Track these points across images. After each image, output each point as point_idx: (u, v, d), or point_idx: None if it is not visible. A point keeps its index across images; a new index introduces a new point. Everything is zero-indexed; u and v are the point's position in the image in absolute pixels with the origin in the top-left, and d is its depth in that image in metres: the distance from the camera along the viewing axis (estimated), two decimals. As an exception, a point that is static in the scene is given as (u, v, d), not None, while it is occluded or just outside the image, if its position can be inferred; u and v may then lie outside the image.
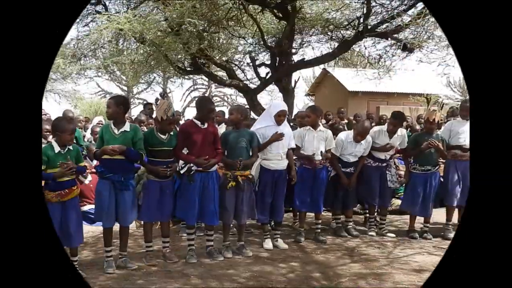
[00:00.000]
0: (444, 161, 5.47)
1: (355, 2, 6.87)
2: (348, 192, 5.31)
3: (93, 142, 6.43)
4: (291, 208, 5.80)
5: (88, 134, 7.18)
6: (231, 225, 4.75)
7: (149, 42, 6.63)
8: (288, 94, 7.89)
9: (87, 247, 4.72)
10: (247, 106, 7.92)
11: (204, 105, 4.41)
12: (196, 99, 5.12)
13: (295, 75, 8.43)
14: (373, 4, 6.36)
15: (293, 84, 8.21)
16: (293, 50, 8.08)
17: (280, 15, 7.16)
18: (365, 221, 5.78)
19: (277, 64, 7.80)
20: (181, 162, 4.35)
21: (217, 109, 6.81)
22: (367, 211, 5.71)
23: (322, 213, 5.35)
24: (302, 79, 25.66)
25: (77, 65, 7.20)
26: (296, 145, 4.93)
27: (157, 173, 4.16)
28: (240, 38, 8.35)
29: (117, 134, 3.98)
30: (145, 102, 11.88)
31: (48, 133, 5.47)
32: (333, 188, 5.23)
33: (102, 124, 6.99)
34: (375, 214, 5.69)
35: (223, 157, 4.48)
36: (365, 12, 6.46)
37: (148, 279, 3.79)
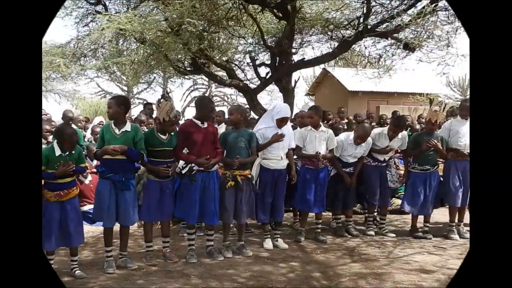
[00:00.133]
0: (443, 161, 5.47)
1: (355, 1, 6.87)
2: (348, 192, 5.31)
3: (93, 142, 6.43)
4: (291, 208, 5.81)
5: (88, 134, 7.18)
6: (231, 225, 4.76)
7: (149, 42, 6.63)
8: (288, 94, 7.88)
9: (87, 247, 4.72)
10: (247, 106, 7.92)
11: (204, 104, 4.41)
12: (196, 98, 5.10)
13: (295, 75, 8.44)
14: (373, 3, 6.36)
15: (293, 84, 8.20)
16: (293, 50, 8.08)
17: (280, 15, 7.16)
18: (365, 221, 5.78)
19: (277, 64, 7.80)
20: (181, 162, 4.35)
21: (217, 109, 6.80)
22: (367, 211, 5.71)
23: (322, 213, 5.35)
24: (302, 79, 25.71)
25: (77, 66, 7.20)
26: (297, 145, 4.94)
27: (158, 173, 4.16)
28: (240, 38, 8.35)
29: (118, 134, 3.98)
30: (145, 102, 11.86)
31: (48, 133, 5.48)
32: (333, 188, 5.24)
33: (103, 124, 6.99)
34: (375, 213, 5.69)
35: (223, 156, 4.48)
36: (365, 11, 6.46)
37: (148, 279, 3.79)
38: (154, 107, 8.13)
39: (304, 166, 5.07)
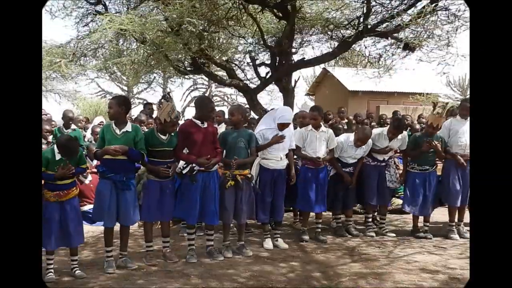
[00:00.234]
0: (442, 161, 5.48)
1: (355, 1, 6.86)
2: (348, 192, 5.31)
3: (93, 142, 6.43)
4: (291, 208, 5.80)
5: (88, 134, 7.18)
6: (231, 225, 4.76)
7: (150, 42, 6.63)
8: (288, 93, 7.87)
9: (87, 247, 4.72)
10: (247, 106, 7.92)
11: (204, 104, 4.41)
12: (196, 98, 5.10)
13: (295, 75, 8.41)
14: (373, 3, 6.35)
15: (293, 84, 8.19)
16: (293, 50, 8.07)
17: (280, 14, 7.15)
18: (365, 221, 5.78)
19: (277, 63, 7.79)
20: (181, 162, 4.35)
21: (217, 109, 6.80)
22: (365, 211, 5.71)
23: (322, 212, 5.35)
24: (302, 78, 25.72)
25: (77, 66, 7.19)
26: (296, 145, 4.93)
27: (158, 173, 4.17)
28: (240, 38, 8.34)
29: (119, 134, 3.98)
30: (145, 102, 11.86)
31: (48, 133, 5.48)
32: (333, 188, 5.24)
33: (103, 124, 6.98)
34: (375, 213, 5.69)
35: (222, 156, 4.48)
36: (365, 11, 6.45)
37: (148, 279, 3.79)
38: (154, 107, 8.13)
39: (304, 165, 5.07)
